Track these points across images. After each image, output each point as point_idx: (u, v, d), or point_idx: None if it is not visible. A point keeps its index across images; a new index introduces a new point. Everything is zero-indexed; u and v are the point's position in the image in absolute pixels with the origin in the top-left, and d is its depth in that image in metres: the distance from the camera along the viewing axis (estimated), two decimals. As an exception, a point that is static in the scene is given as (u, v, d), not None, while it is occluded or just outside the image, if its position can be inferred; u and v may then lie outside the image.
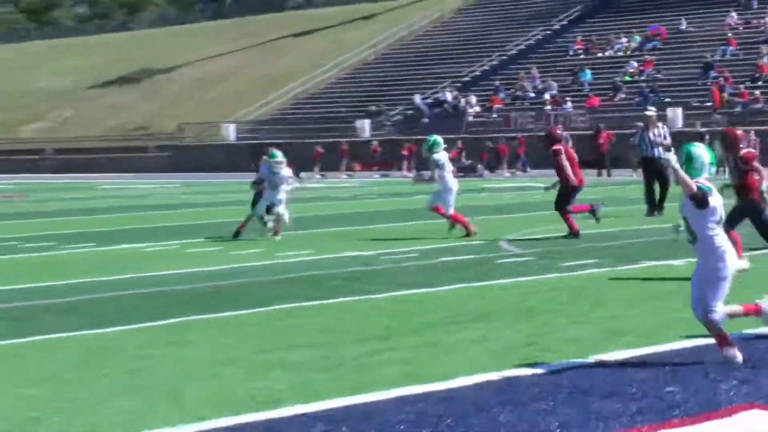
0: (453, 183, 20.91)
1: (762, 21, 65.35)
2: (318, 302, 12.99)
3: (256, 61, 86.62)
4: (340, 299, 13.25)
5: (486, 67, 72.10)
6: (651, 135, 24.30)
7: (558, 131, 21.52)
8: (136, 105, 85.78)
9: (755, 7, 67.93)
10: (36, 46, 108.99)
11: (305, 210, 28.02)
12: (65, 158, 78.14)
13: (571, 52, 70.34)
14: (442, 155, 20.96)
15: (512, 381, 8.62)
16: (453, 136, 58.85)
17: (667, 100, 58.26)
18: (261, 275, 15.84)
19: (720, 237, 8.99)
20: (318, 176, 57.30)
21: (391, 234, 21.28)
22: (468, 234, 20.34)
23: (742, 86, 57.91)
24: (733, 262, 9.09)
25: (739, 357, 8.96)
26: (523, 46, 73.75)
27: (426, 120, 65.27)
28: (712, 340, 10.00)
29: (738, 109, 55.81)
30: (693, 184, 8.83)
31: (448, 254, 17.76)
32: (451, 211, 20.66)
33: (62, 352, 10.26)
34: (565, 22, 75.53)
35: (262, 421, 7.56)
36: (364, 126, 65.68)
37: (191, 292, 14.19)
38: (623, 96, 61.17)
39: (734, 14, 67.17)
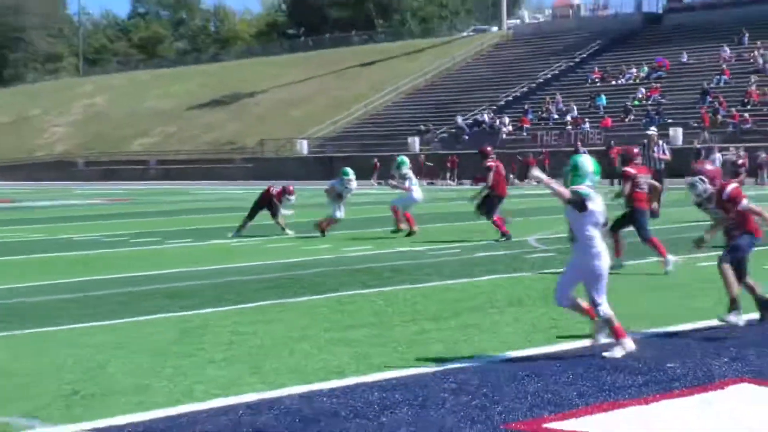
0: (418, 194, 21.24)
1: (751, 54, 64.90)
2: (375, 289, 13.01)
3: (326, 88, 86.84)
4: (394, 287, 13.26)
5: (518, 93, 71.97)
6: (652, 151, 24.29)
7: (489, 148, 21.35)
8: (225, 124, 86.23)
9: (746, 43, 67.41)
10: (145, 75, 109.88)
11: (365, 212, 28.08)
12: (166, 168, 78.75)
13: (589, 81, 70.08)
14: (408, 171, 21.44)
15: (538, 357, 8.61)
16: (489, 150, 58.80)
17: (670, 121, 57.97)
18: (328, 266, 15.89)
19: (597, 239, 8.49)
20: (375, 184, 57.36)
21: (436, 232, 21.26)
22: (410, 233, 20.74)
23: (734, 109, 57.51)
24: (607, 262, 8.60)
25: (631, 345, 8.53)
26: (549, 76, 73.55)
27: (466, 137, 65.21)
28: (707, 323, 9.97)
29: (730, 129, 55.42)
30: (565, 192, 8.39)
31: (484, 250, 17.74)
32: (403, 211, 21.17)
33: (166, 329, 10.34)
34: (584, 55, 75.25)
35: (328, 389, 7.60)
36: (415, 142, 65.69)
37: (272, 280, 14.26)
38: (633, 117, 60.87)
39: (727, 49, 66.72)
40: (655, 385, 7.55)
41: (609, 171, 48.31)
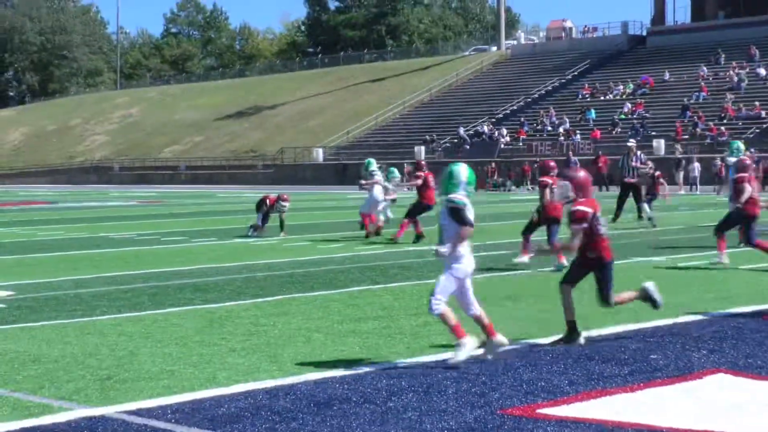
0: (378, 193, 21.02)
1: (727, 73, 64.77)
2: (383, 285, 12.97)
3: (340, 101, 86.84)
4: (400, 283, 13.22)
5: (514, 107, 71.87)
6: (631, 161, 24.43)
7: (422, 162, 21.38)
8: (248, 133, 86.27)
9: (722, 62, 67.33)
10: (175, 89, 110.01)
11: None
12: (194, 173, 78.84)
13: (579, 96, 69.95)
14: (376, 170, 21.33)
15: (532, 348, 8.56)
16: (488, 159, 58.98)
17: (653, 133, 57.95)
18: (341, 264, 15.84)
19: (463, 243, 7.91)
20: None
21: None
22: (368, 235, 20.41)
23: (711, 123, 57.40)
24: (469, 268, 8.01)
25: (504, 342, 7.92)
26: (543, 91, 73.45)
27: (467, 147, 65.13)
28: (687, 318, 9.91)
29: (708, 140, 55.30)
30: (455, 246, 7.81)
31: (484, 250, 17.64)
32: (366, 212, 20.89)
33: (191, 320, 10.30)
34: (575, 73, 75.13)
35: (340, 376, 7.56)
36: (420, 151, 65.63)
37: (289, 276, 14.21)
38: (619, 130, 60.73)
39: (705, 68, 66.64)
40: (639, 374, 7.49)
41: (597, 178, 48.81)
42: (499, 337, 8.15)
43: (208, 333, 9.50)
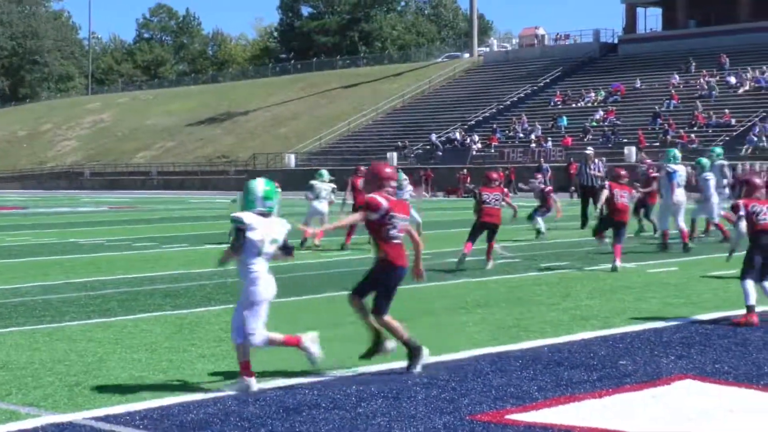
0: (321, 206, 20.60)
1: (698, 81, 65.23)
2: (355, 291, 12.94)
3: (313, 107, 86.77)
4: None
5: (487, 114, 72.08)
6: (589, 168, 24.82)
7: (363, 168, 21.25)
8: (220, 139, 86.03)
9: (693, 71, 67.80)
10: (147, 94, 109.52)
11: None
12: (166, 179, 78.52)
13: (551, 103, 70.24)
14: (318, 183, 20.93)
15: (502, 354, 8.58)
16: (461, 166, 59.07)
17: (624, 140, 58.22)
18: (312, 270, 15.83)
19: (255, 265, 7.36)
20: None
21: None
22: (302, 243, 19.83)
23: (682, 131, 57.79)
24: (268, 289, 7.45)
25: (254, 387, 7.29)
26: (515, 98, 73.70)
27: (440, 153, 65.25)
28: (655, 325, 9.96)
29: (678, 148, 55.60)
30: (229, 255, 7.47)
31: (453, 256, 17.65)
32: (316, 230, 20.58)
33: (161, 326, 10.25)
34: (548, 80, 75.45)
35: (310, 382, 7.55)
36: (393, 157, 65.68)
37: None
38: (591, 137, 61.02)
39: (677, 76, 67.08)
40: (608, 380, 7.52)
41: (567, 184, 49.04)
42: (246, 382, 7.39)
43: (178, 339, 9.46)
